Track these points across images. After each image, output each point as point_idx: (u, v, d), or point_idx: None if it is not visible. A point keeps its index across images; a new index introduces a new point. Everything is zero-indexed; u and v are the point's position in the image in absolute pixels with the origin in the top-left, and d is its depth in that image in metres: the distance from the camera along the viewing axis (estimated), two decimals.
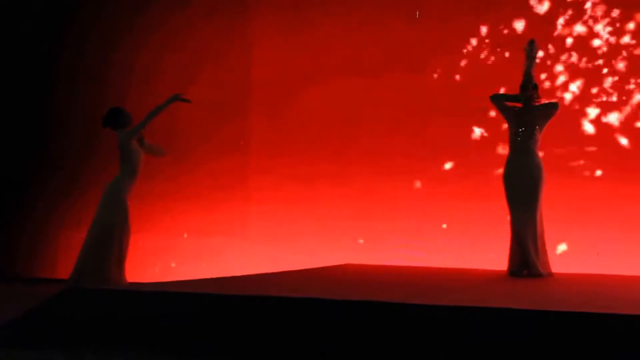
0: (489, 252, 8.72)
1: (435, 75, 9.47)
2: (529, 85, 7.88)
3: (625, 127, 8.99)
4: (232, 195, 9.70)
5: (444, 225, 9.40)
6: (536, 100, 7.98)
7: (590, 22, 9.08)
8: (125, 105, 8.81)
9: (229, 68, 10.11)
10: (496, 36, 9.32)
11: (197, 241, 10.08)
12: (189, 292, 5.88)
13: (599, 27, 9.07)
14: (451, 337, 5.20)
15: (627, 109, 8.96)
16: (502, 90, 8.59)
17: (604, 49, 9.09)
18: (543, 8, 9.22)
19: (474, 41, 9.42)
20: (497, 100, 8.07)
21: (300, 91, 9.85)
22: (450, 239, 9.34)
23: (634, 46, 8.99)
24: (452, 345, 5.19)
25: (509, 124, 7.99)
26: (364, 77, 9.67)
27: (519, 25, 9.24)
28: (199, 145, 10.05)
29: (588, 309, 5.24)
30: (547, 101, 8.06)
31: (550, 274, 7.81)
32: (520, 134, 7.93)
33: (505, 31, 9.26)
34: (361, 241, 9.61)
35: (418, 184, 9.60)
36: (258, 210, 10.03)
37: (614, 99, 9.03)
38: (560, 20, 9.21)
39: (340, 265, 8.89)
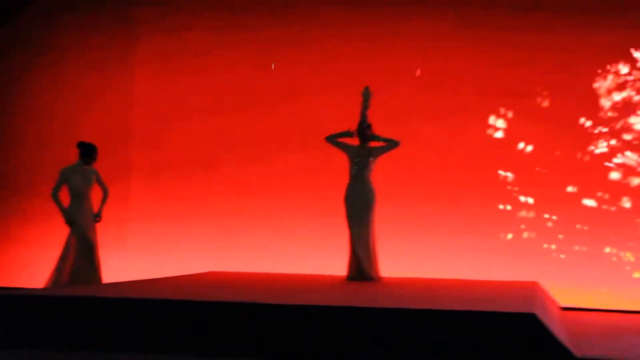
0: (332, 261, 9.36)
1: (288, 114, 10.08)
2: (364, 124, 8.46)
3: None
4: (115, 215, 9.79)
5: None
6: (369, 136, 8.52)
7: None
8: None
9: (111, 106, 10.61)
10: (337, 82, 9.95)
11: None
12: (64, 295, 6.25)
13: None
14: (301, 332, 5.71)
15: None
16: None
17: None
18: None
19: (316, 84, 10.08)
20: (331, 140, 8.59)
21: (173, 126, 10.42)
22: (302, 249, 10.02)
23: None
24: (302, 338, 5.69)
25: (347, 156, 8.57)
26: (225, 114, 10.35)
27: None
28: None
29: (411, 306, 5.88)
30: (384, 137, 8.60)
31: (381, 278, 8.52)
32: (357, 163, 8.50)
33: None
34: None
35: (273, 204, 10.22)
36: (138, 227, 10.45)
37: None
38: None
39: (204, 273, 9.15)
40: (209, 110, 10.45)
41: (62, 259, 8.34)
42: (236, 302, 5.97)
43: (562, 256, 9.65)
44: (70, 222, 8.37)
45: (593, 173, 9.55)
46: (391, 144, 8.57)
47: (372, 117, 8.60)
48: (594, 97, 9.57)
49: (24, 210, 10.63)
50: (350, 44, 10.07)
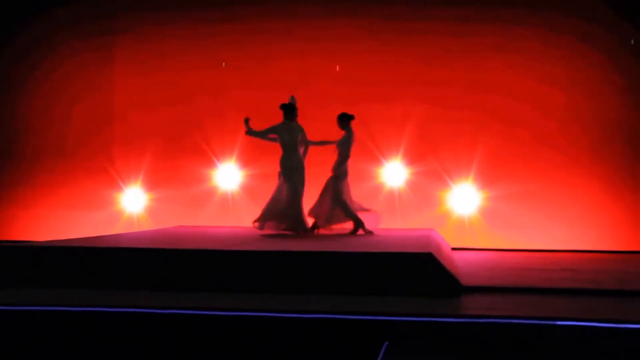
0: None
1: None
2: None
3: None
4: (107, 178, 11.16)
5: None
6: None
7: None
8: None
9: (97, 98, 11.64)
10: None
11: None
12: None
13: None
14: (274, 270, 6.25)
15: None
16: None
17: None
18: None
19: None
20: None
21: (146, 112, 11.37)
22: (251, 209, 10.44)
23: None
24: (275, 274, 6.25)
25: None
26: (187, 103, 11.23)
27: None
28: None
29: (337, 249, 6.59)
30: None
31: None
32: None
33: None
34: None
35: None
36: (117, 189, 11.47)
37: None
38: None
39: (173, 227, 10.17)
40: (174, 100, 11.46)
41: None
42: (196, 249, 6.65)
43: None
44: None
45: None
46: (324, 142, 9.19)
47: (301, 102, 9.20)
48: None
49: (29, 176, 11.75)
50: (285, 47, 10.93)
